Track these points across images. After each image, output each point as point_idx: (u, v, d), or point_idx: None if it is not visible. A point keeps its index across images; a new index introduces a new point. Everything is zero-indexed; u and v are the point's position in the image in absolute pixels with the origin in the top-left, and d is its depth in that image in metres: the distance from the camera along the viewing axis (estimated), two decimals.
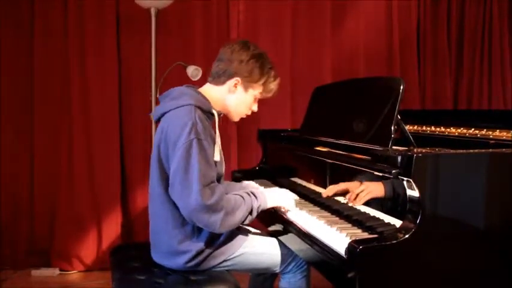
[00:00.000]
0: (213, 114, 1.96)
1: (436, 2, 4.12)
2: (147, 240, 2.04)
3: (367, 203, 1.85)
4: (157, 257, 1.99)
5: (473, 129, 2.24)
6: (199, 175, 1.76)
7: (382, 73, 3.95)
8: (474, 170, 1.60)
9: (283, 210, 2.04)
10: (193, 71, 3.20)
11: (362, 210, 1.85)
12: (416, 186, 1.51)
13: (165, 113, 1.91)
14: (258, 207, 1.91)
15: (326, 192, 2.07)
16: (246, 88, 1.98)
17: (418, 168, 1.51)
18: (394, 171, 1.56)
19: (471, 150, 1.67)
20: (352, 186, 1.93)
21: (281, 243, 2.05)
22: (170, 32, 3.63)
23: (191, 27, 3.70)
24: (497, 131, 2.11)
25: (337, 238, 1.66)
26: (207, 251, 1.91)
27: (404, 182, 1.57)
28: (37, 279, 3.43)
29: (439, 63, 4.11)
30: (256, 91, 2.01)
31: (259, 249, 2.02)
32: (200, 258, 1.90)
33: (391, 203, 1.72)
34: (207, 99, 1.95)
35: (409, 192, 1.57)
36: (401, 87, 1.88)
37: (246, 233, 2.06)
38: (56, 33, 3.55)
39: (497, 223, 1.62)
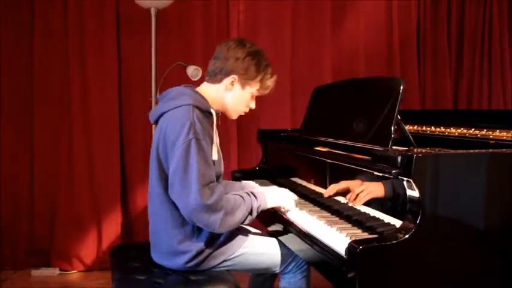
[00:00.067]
0: (211, 114, 1.96)
1: (436, 2, 4.12)
2: (147, 240, 2.04)
3: (367, 203, 1.85)
4: (157, 257, 1.99)
5: (473, 129, 2.24)
6: (198, 175, 1.76)
7: (382, 73, 3.95)
8: (474, 170, 1.59)
9: (283, 210, 2.04)
10: (193, 71, 3.21)
11: (362, 210, 1.85)
12: (416, 186, 1.51)
13: (163, 113, 1.91)
14: (258, 208, 1.91)
15: (327, 192, 2.07)
16: (243, 85, 1.98)
17: (418, 169, 1.51)
18: (394, 171, 1.56)
19: (471, 151, 1.67)
20: (353, 184, 1.93)
21: (281, 244, 2.05)
22: (170, 32, 3.64)
23: (191, 27, 3.70)
24: (497, 131, 2.11)
25: (337, 238, 1.66)
26: (207, 251, 1.91)
27: (404, 182, 1.57)
28: (37, 279, 3.43)
29: (439, 63, 4.11)
30: (253, 88, 2.01)
31: (259, 250, 2.02)
32: (200, 258, 1.90)
33: (391, 203, 1.72)
34: (205, 99, 1.95)
35: (409, 192, 1.57)
36: (401, 87, 1.88)
37: (246, 233, 2.06)
38: (56, 33, 3.55)
39: (497, 223, 1.62)
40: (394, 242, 1.47)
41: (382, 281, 1.50)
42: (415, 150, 1.79)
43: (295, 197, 2.12)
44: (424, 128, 2.52)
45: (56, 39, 3.55)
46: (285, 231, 1.98)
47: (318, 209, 2.10)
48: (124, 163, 3.69)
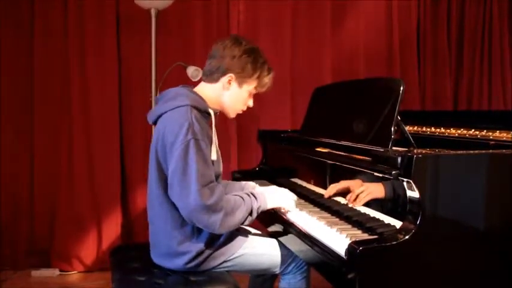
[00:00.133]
0: (209, 114, 1.95)
1: (436, 2, 4.12)
2: (147, 240, 2.04)
3: (367, 204, 1.85)
4: (157, 258, 1.98)
5: (473, 130, 2.24)
6: (197, 175, 1.76)
7: (382, 73, 3.95)
8: (474, 171, 1.59)
9: (283, 211, 2.04)
10: (194, 72, 3.20)
11: (362, 211, 1.85)
12: (417, 187, 1.51)
13: (161, 114, 1.91)
14: (258, 208, 1.91)
15: (327, 192, 2.07)
16: (240, 84, 1.97)
17: (418, 169, 1.51)
18: (394, 172, 1.56)
19: (471, 151, 1.66)
20: (353, 184, 1.93)
21: (281, 244, 2.04)
22: (170, 32, 3.63)
23: (191, 27, 3.70)
24: (497, 131, 2.11)
25: (337, 239, 1.66)
26: (207, 252, 1.91)
27: (405, 183, 1.57)
28: (37, 279, 3.43)
29: (439, 63, 4.12)
30: (250, 86, 2.00)
31: (259, 250, 2.02)
32: (200, 259, 1.90)
33: (391, 204, 1.72)
34: (202, 99, 1.95)
35: (409, 193, 1.57)
36: (401, 88, 1.88)
37: (246, 233, 2.05)
38: (56, 33, 3.55)
39: (497, 224, 1.62)
40: (394, 243, 1.47)
41: (382, 281, 1.49)
42: (415, 151, 1.79)
43: (295, 197, 2.11)
44: (424, 129, 2.52)
45: (56, 39, 3.55)
46: (285, 232, 1.98)
47: (318, 209, 2.10)
48: (124, 163, 3.69)
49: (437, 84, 4.11)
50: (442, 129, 2.41)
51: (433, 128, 2.48)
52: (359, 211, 1.86)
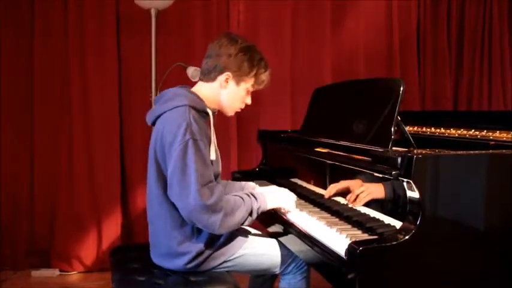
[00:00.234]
0: (207, 113, 1.95)
1: (436, 2, 4.12)
2: (147, 241, 2.04)
3: (367, 204, 1.85)
4: (156, 258, 1.98)
5: (473, 130, 2.24)
6: (196, 175, 1.76)
7: (382, 73, 3.95)
8: (474, 171, 1.59)
9: (283, 211, 2.04)
10: (194, 72, 3.19)
11: (362, 211, 1.85)
12: (417, 187, 1.51)
13: (160, 115, 1.91)
14: (258, 209, 1.91)
15: (327, 192, 2.07)
16: (237, 82, 1.97)
17: (418, 170, 1.50)
18: (394, 172, 1.56)
19: (471, 152, 1.66)
20: (353, 184, 1.92)
21: (281, 244, 2.04)
22: (170, 33, 3.64)
23: (191, 27, 3.70)
24: (497, 132, 2.11)
25: (337, 239, 1.66)
26: (207, 252, 1.91)
27: (405, 183, 1.57)
28: (37, 279, 3.43)
29: (439, 63, 4.12)
30: (248, 84, 1.99)
31: (259, 250, 2.02)
32: (200, 259, 1.90)
33: (391, 204, 1.72)
34: (200, 99, 1.95)
35: (409, 193, 1.57)
36: (401, 88, 1.88)
37: (246, 234, 2.05)
38: (56, 33, 3.55)
39: (497, 224, 1.62)
40: (394, 243, 1.47)
41: (382, 282, 1.49)
42: (415, 151, 1.79)
43: (295, 197, 2.11)
44: (424, 129, 2.52)
45: (56, 39, 3.55)
46: (285, 232, 1.98)
47: (318, 209, 2.10)
48: (124, 163, 3.69)
49: (437, 84, 4.11)
50: (442, 130, 2.40)
51: (433, 128, 2.48)
52: (359, 211, 1.86)
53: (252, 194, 1.93)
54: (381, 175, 1.67)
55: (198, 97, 1.95)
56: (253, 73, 1.97)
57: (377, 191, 1.79)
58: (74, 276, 3.54)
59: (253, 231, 2.14)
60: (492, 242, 1.60)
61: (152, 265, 1.99)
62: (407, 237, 1.48)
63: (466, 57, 4.14)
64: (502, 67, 4.13)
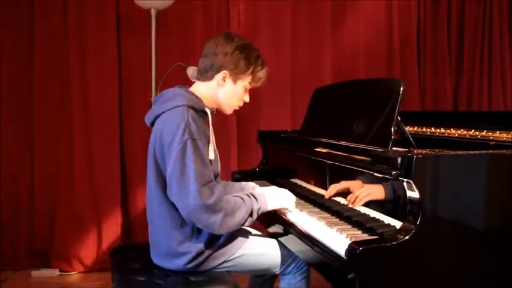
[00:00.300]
0: (206, 113, 1.95)
1: (436, 2, 4.12)
2: (147, 241, 2.04)
3: (367, 204, 1.85)
4: (156, 258, 1.98)
5: (473, 130, 2.24)
6: (195, 175, 1.76)
7: (382, 73, 3.95)
8: (474, 171, 1.59)
9: (283, 211, 2.04)
10: (193, 72, 3.18)
11: (362, 211, 1.85)
12: (417, 187, 1.51)
13: (158, 115, 1.91)
14: (258, 210, 1.91)
15: (328, 192, 2.07)
16: (234, 80, 1.97)
17: (418, 170, 1.51)
18: (394, 172, 1.56)
19: (471, 152, 1.66)
20: (353, 185, 1.93)
21: (281, 245, 2.04)
22: (170, 33, 3.64)
23: (191, 27, 3.70)
24: (497, 132, 2.11)
25: (337, 239, 1.66)
26: (207, 252, 1.91)
27: (405, 183, 1.57)
28: (37, 279, 3.43)
29: (439, 63, 4.12)
30: (245, 82, 1.99)
31: (259, 250, 2.02)
32: (200, 259, 1.90)
33: (391, 204, 1.72)
34: (199, 98, 1.95)
35: (409, 193, 1.57)
36: (402, 88, 1.88)
37: (246, 234, 2.05)
38: (56, 33, 3.55)
39: (497, 224, 1.62)
40: (394, 243, 1.47)
41: (382, 282, 1.50)
42: (415, 151, 1.80)
43: (294, 198, 2.11)
44: (424, 129, 2.52)
45: (56, 39, 3.55)
46: (285, 232, 1.98)
47: (318, 210, 2.10)
48: (124, 163, 3.69)
49: (437, 84, 4.11)
50: (442, 130, 2.40)
51: (433, 128, 2.48)
52: (359, 211, 1.86)
53: (252, 195, 1.93)
54: (381, 175, 1.67)
55: (196, 97, 1.95)
56: (250, 71, 1.97)
57: (376, 191, 1.79)
58: (74, 276, 3.54)
59: (253, 231, 2.14)
60: (492, 242, 1.60)
61: (152, 265, 1.99)
62: (407, 237, 1.48)
63: (466, 57, 4.14)
64: (502, 67, 4.13)
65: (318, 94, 2.66)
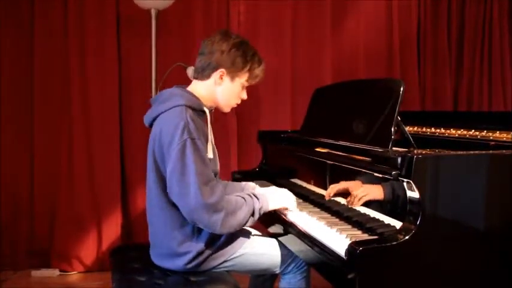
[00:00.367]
0: (204, 112, 1.95)
1: (436, 2, 4.12)
2: (147, 241, 2.04)
3: (367, 205, 1.85)
4: (156, 258, 1.98)
5: (473, 130, 2.24)
6: (196, 174, 1.76)
7: (382, 73, 3.95)
8: (474, 171, 1.60)
9: (284, 211, 2.04)
10: (193, 72, 3.20)
11: (362, 211, 1.85)
12: (417, 187, 1.51)
13: (157, 116, 1.91)
14: (260, 209, 1.90)
15: (328, 193, 2.07)
16: (232, 78, 1.97)
17: (418, 170, 1.51)
18: (394, 172, 1.56)
19: (471, 152, 1.66)
20: (353, 185, 1.93)
21: (281, 244, 2.05)
22: (170, 33, 3.64)
23: (191, 27, 3.70)
24: (498, 132, 2.11)
25: (337, 239, 1.66)
26: (207, 252, 1.91)
27: (405, 184, 1.57)
28: (37, 279, 3.44)
29: (439, 63, 4.12)
30: (242, 79, 1.99)
31: (259, 250, 2.02)
32: (200, 259, 1.90)
33: (391, 204, 1.72)
34: (197, 98, 1.95)
35: (409, 193, 1.57)
36: (402, 88, 1.88)
37: (246, 234, 2.05)
38: (56, 33, 3.55)
39: (497, 224, 1.62)
40: (394, 243, 1.47)
41: (382, 282, 1.50)
42: (415, 151, 1.80)
43: (295, 197, 2.11)
44: (424, 129, 2.51)
45: (56, 39, 3.55)
46: (285, 232, 1.98)
47: (318, 210, 2.10)
48: (124, 163, 3.69)
49: (437, 84, 4.11)
50: (442, 130, 2.40)
51: (433, 128, 2.48)
52: (359, 211, 1.86)
53: (254, 195, 1.93)
54: (381, 175, 1.68)
55: (194, 96, 1.95)
56: (247, 68, 1.97)
57: (376, 191, 1.79)
58: (74, 276, 3.54)
59: (253, 231, 2.14)
60: (492, 242, 1.60)
61: (152, 265, 1.99)
62: (407, 237, 1.48)
63: (466, 57, 4.14)
64: (502, 67, 4.13)
65: (318, 94, 2.66)
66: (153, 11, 3.23)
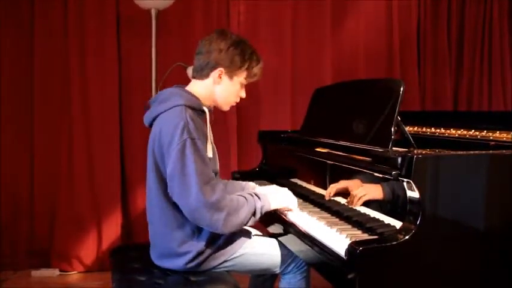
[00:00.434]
0: (203, 111, 1.95)
1: (436, 2, 4.12)
2: (147, 241, 2.04)
3: (367, 204, 1.85)
4: (156, 258, 1.98)
5: (473, 130, 2.24)
6: (196, 174, 1.76)
7: (382, 73, 3.95)
8: (474, 171, 1.60)
9: (286, 212, 2.03)
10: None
11: (362, 211, 1.85)
12: (417, 187, 1.51)
13: (157, 116, 1.91)
14: (262, 208, 1.90)
15: (327, 193, 2.07)
16: (230, 77, 1.97)
17: (418, 170, 1.51)
18: (394, 172, 1.56)
19: (471, 152, 1.66)
20: (353, 184, 1.93)
21: (281, 244, 2.05)
22: (170, 33, 3.64)
23: (191, 27, 3.70)
24: (498, 132, 2.11)
25: (337, 239, 1.66)
26: (208, 252, 1.91)
27: (405, 183, 1.57)
28: (37, 279, 3.44)
29: (439, 63, 4.12)
30: (241, 77, 1.98)
31: (259, 250, 2.02)
32: (200, 259, 1.90)
33: (391, 204, 1.72)
34: (196, 97, 1.95)
35: (409, 193, 1.57)
36: (402, 88, 1.88)
37: (246, 234, 2.05)
38: (56, 33, 3.55)
39: (497, 224, 1.62)
40: (394, 243, 1.47)
41: (382, 282, 1.50)
42: (415, 151, 1.80)
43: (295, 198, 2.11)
44: (424, 129, 2.51)
45: (56, 39, 3.55)
46: (285, 232, 1.98)
47: (318, 210, 2.10)
48: (124, 163, 3.69)
49: (437, 84, 4.11)
50: (442, 130, 2.40)
51: (433, 128, 2.48)
52: (359, 211, 1.86)
53: (255, 194, 1.93)
54: (381, 175, 1.68)
55: (194, 95, 1.95)
56: (245, 67, 1.97)
57: (375, 191, 1.79)
58: (74, 276, 3.54)
59: (253, 231, 2.14)
60: (492, 242, 1.60)
61: (152, 265, 1.99)
62: (407, 237, 1.48)
63: (466, 57, 4.14)
64: (502, 67, 4.13)
65: (318, 94, 2.66)
66: (153, 11, 3.23)
